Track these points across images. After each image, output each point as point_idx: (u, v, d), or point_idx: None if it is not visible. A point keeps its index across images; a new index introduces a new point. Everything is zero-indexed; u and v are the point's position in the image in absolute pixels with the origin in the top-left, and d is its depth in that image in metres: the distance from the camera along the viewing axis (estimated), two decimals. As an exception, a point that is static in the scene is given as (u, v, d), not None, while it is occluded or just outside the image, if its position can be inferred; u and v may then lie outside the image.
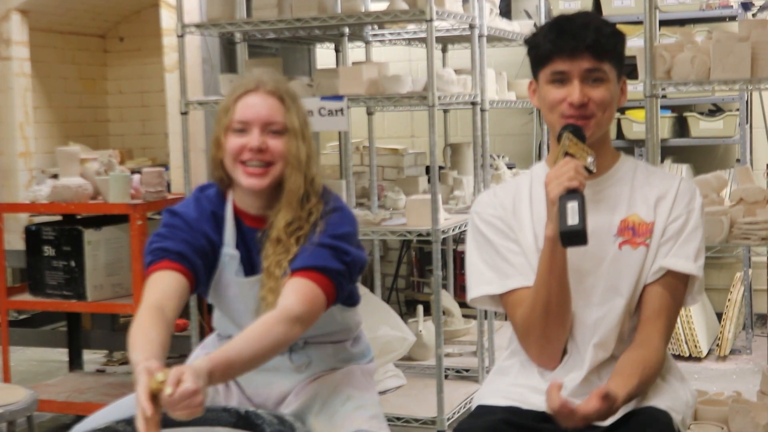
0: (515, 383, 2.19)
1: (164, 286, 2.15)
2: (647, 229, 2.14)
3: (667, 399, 2.10)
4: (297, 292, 2.11)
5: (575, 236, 1.98)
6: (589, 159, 2.07)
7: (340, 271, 2.18)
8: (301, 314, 2.09)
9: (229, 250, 2.28)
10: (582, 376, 2.12)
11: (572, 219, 1.98)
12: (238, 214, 2.31)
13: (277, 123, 2.22)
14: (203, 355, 2.43)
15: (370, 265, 4.90)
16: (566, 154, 2.07)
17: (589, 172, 2.07)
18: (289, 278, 2.15)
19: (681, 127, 5.69)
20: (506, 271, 2.17)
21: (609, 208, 2.17)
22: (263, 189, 2.23)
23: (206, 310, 4.62)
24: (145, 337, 2.00)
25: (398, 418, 3.89)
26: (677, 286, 2.14)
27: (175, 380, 1.81)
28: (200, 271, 2.24)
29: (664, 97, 5.24)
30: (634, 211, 2.16)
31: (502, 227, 2.20)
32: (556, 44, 2.10)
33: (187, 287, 2.20)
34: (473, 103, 4.26)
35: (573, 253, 2.10)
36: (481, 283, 2.20)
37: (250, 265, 2.29)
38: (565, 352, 2.16)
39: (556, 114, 2.13)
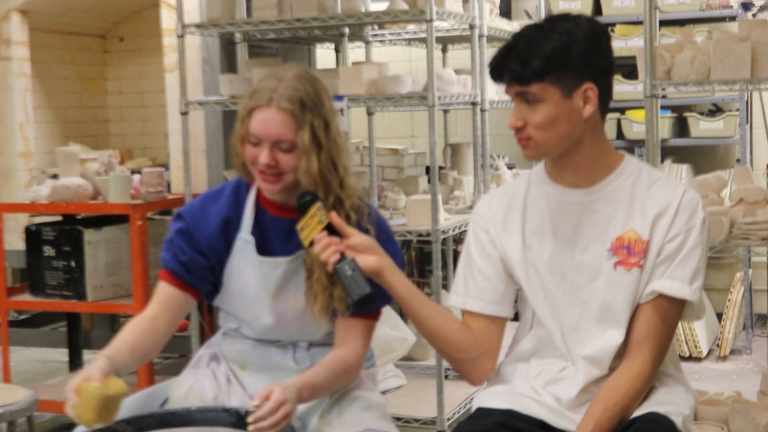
0: (514, 388, 2.18)
1: (163, 299, 2.31)
2: (642, 249, 2.06)
3: (669, 403, 2.08)
4: (366, 336, 2.31)
5: (367, 300, 2.04)
6: (322, 215, 2.10)
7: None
8: (367, 353, 2.34)
9: (245, 235, 2.30)
10: (578, 388, 2.10)
11: (357, 287, 2.03)
12: (261, 202, 2.33)
13: (286, 141, 2.20)
14: (208, 355, 2.44)
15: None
16: (305, 234, 2.10)
17: (330, 228, 2.09)
18: (356, 319, 2.29)
19: (681, 128, 5.69)
20: (470, 290, 2.18)
21: (604, 220, 2.10)
22: (276, 194, 2.25)
23: (206, 311, 4.62)
24: (120, 337, 2.21)
25: (398, 419, 3.89)
26: (670, 309, 2.07)
27: (264, 395, 2.02)
28: (201, 279, 2.32)
29: (664, 97, 5.24)
30: (631, 227, 2.08)
31: (485, 243, 2.19)
32: (490, 71, 2.09)
33: (186, 299, 2.33)
34: (473, 103, 4.26)
35: (568, 264, 2.11)
36: (453, 291, 2.24)
37: (263, 250, 2.31)
38: (561, 360, 2.15)
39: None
